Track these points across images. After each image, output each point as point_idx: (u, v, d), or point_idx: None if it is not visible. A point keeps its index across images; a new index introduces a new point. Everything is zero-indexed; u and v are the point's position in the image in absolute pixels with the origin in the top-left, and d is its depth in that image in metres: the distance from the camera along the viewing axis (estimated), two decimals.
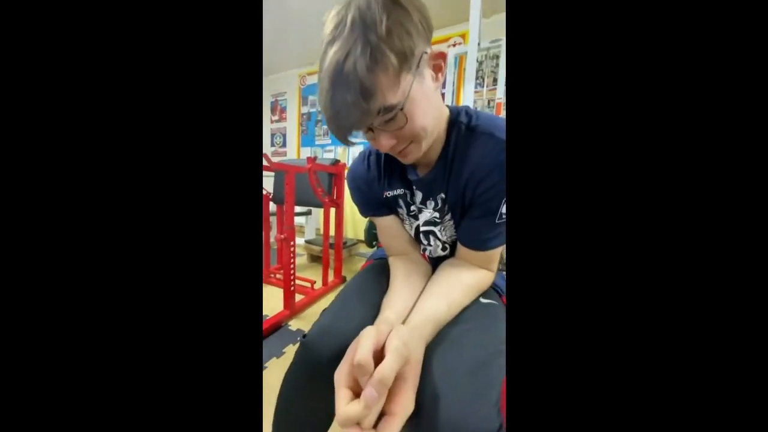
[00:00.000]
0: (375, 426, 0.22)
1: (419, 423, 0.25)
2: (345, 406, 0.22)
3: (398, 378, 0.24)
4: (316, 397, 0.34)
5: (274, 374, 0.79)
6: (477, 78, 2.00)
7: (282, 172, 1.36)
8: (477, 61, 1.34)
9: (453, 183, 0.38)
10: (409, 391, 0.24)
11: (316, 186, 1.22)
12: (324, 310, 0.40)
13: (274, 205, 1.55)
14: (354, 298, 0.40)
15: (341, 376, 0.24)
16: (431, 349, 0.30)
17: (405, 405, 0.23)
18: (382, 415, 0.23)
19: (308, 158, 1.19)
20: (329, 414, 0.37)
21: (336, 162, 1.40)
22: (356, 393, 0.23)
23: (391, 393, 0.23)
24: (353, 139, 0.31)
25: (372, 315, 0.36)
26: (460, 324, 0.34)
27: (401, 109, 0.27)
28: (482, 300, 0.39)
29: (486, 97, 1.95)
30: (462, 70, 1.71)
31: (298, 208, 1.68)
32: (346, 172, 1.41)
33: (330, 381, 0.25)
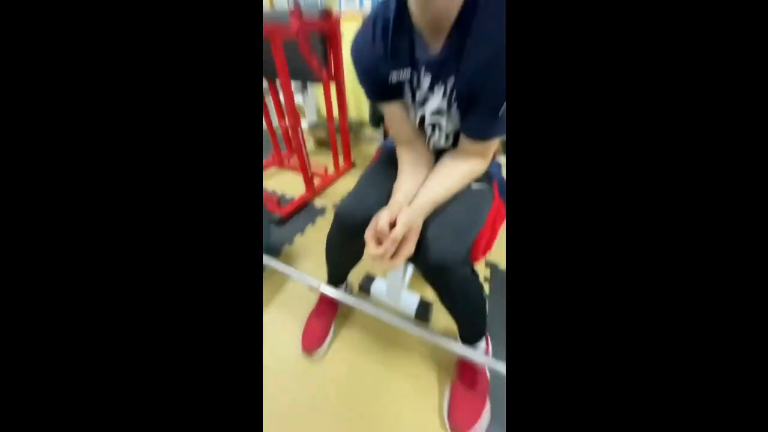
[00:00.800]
0: (392, 259, 0.39)
1: (417, 258, 0.43)
2: (373, 249, 0.38)
3: (404, 237, 0.40)
4: (348, 249, 0.56)
5: (311, 237, 1.07)
6: None
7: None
8: None
9: (465, 65, 0.37)
10: (410, 243, 0.40)
11: (310, 55, 1.02)
12: (349, 192, 0.52)
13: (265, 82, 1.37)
14: (371, 186, 0.52)
15: (369, 235, 0.40)
16: (428, 218, 0.44)
17: (408, 250, 0.40)
18: (394, 256, 0.40)
19: (292, 12, 0.91)
20: (356, 257, 0.61)
21: (325, 14, 1.05)
22: (379, 243, 0.40)
23: (400, 244, 0.40)
24: None
25: (386, 197, 0.48)
26: (452, 203, 0.46)
27: None
28: (474, 186, 0.49)
29: None
30: None
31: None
32: (341, 27, 1.11)
33: (356, 239, 0.43)
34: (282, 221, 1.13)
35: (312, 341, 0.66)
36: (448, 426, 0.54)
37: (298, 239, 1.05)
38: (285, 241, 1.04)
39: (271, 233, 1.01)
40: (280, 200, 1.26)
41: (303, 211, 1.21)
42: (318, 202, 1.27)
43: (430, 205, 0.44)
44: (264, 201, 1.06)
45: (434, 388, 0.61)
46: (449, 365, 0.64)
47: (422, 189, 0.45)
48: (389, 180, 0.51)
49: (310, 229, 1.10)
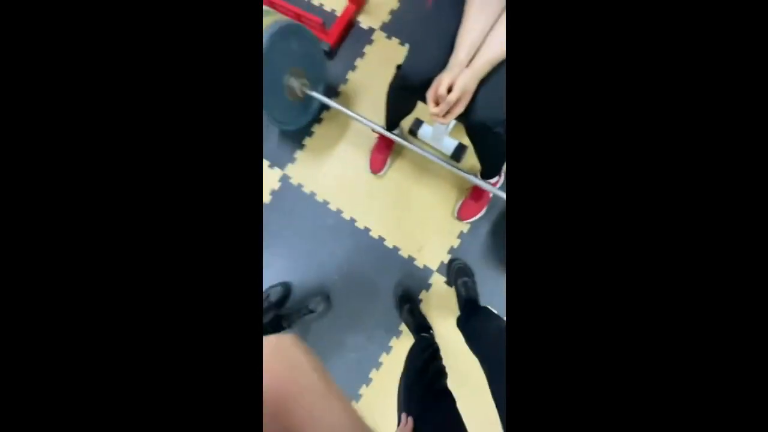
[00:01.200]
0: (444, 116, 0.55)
1: (467, 116, 0.57)
2: (432, 108, 0.54)
3: (458, 100, 0.52)
4: (405, 103, 0.74)
5: (363, 72, 1.07)
6: None
7: None
8: None
9: None
10: (462, 104, 0.53)
11: None
12: (410, 48, 0.60)
13: None
14: (432, 41, 0.57)
15: (430, 96, 0.54)
16: (482, 82, 0.53)
17: (459, 110, 0.54)
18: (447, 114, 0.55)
19: None
20: (412, 108, 0.77)
21: None
22: (436, 104, 0.54)
23: (454, 105, 0.53)
24: None
25: (448, 51, 0.55)
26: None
27: None
28: None
29: None
30: None
31: None
32: None
33: (415, 95, 0.60)
34: (332, 52, 1.09)
35: (376, 166, 0.98)
36: (456, 216, 0.95)
37: (351, 76, 1.09)
38: (339, 80, 1.09)
39: (326, 70, 1.04)
40: (324, 19, 1.11)
41: (351, 38, 1.11)
42: (365, 21, 1.11)
43: (488, 67, 0.51)
44: (304, 21, 0.98)
45: (453, 201, 0.97)
46: (468, 190, 0.95)
47: (485, 44, 0.49)
48: (452, 23, 0.53)
49: (360, 64, 1.08)
